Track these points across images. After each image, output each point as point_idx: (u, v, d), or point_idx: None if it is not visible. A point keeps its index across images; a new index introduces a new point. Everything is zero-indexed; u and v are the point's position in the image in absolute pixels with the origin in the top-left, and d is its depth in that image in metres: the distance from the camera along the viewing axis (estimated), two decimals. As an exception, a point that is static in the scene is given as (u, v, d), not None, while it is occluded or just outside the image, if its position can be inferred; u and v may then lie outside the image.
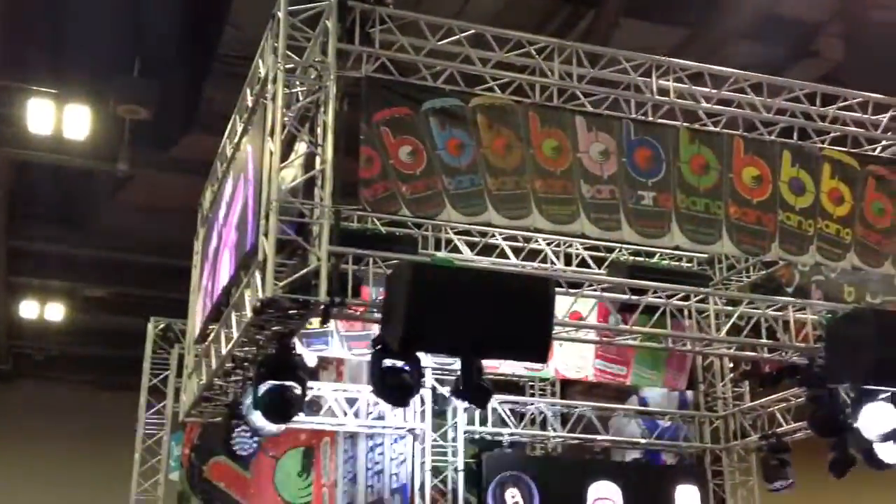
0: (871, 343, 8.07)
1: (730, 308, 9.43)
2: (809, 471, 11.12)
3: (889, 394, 8.40)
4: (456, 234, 10.77)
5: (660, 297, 8.92)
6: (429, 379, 10.99)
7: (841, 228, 8.54)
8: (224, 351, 7.97)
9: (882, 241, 8.61)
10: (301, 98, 7.41)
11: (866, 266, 8.62)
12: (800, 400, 10.61)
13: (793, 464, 11.22)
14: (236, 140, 8.78)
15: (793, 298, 9.38)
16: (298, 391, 7.48)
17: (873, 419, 8.50)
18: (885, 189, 8.75)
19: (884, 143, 9.25)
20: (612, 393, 13.43)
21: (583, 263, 11.26)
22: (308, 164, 7.18)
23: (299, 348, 8.68)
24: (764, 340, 9.14)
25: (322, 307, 6.91)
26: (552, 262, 11.06)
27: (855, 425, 8.62)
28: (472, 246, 10.87)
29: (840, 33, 11.20)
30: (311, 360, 10.29)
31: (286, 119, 7.14)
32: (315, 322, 8.84)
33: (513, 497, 11.63)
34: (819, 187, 8.58)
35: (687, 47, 10.65)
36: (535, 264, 10.86)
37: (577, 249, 11.24)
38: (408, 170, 7.58)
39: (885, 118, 9.13)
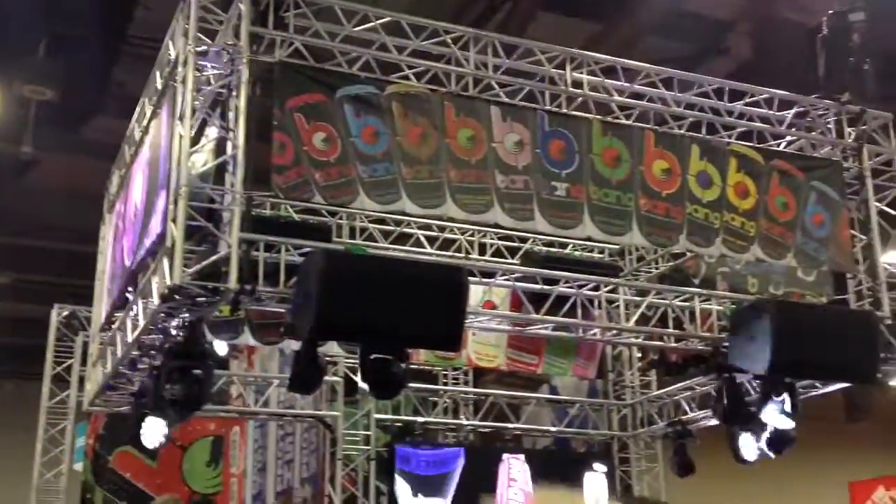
0: (772, 334, 8.29)
1: (638, 298, 9.60)
2: (714, 458, 11.41)
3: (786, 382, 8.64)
4: (370, 222, 10.74)
5: (571, 288, 9.03)
6: (341, 367, 10.96)
7: (746, 221, 8.74)
8: (130, 339, 7.80)
9: (785, 234, 8.85)
10: (212, 82, 7.28)
11: (769, 258, 8.85)
12: (705, 389, 10.86)
13: (697, 451, 11.48)
14: (145, 123, 8.58)
15: (699, 289, 9.58)
16: (206, 380, 7.36)
17: (773, 408, 8.75)
18: (788, 184, 8.99)
19: (788, 138, 9.52)
20: (524, 382, 13.57)
21: (497, 253, 11.36)
22: (219, 149, 7.07)
23: (208, 336, 8.56)
24: (671, 330, 9.33)
25: (232, 295, 6.81)
26: (466, 252, 11.12)
27: (758, 413, 8.86)
28: (386, 235, 10.86)
29: (749, 32, 11.47)
30: (221, 348, 10.13)
31: (196, 103, 7.01)
32: (225, 310, 8.73)
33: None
34: (725, 181, 8.77)
35: (601, 41, 10.77)
36: (450, 254, 10.90)
37: (491, 239, 11.33)
38: (322, 157, 7.50)
39: (789, 114, 9.39)
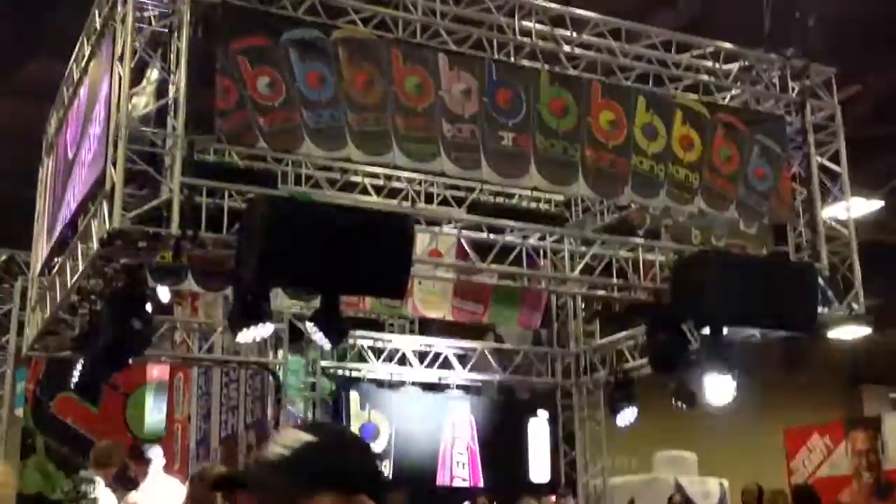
0: (714, 284, 8.43)
1: (583, 249, 9.69)
2: (653, 405, 11.63)
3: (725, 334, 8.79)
4: (317, 170, 10.61)
5: (517, 237, 9.07)
6: (286, 315, 10.91)
7: (690, 173, 8.82)
8: (69, 283, 7.69)
9: (727, 187, 8.95)
10: (153, 21, 7.11)
11: (712, 210, 8.96)
12: (646, 337, 11.01)
13: (638, 398, 11.67)
14: (84, 64, 8.37)
15: (643, 240, 9.68)
16: (146, 327, 7.29)
17: (712, 357, 8.91)
18: (732, 137, 9.07)
19: (733, 92, 9.59)
20: (470, 330, 13.64)
21: (444, 203, 11.30)
22: (160, 91, 6.94)
23: (151, 282, 8.47)
24: (615, 280, 9.44)
25: (174, 240, 6.73)
26: (413, 201, 11.07)
27: (697, 362, 9.02)
28: (332, 183, 10.75)
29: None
30: (164, 294, 10.04)
31: (136, 43, 6.85)
32: (168, 256, 8.63)
33: (368, 422, 11.72)
34: (671, 133, 8.81)
35: (550, -11, 10.69)
36: (396, 202, 10.85)
37: (438, 189, 11.28)
38: (266, 101, 7.39)
39: (735, 68, 9.44)
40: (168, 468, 11.32)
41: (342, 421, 11.50)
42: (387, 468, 11.63)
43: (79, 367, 8.05)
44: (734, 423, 15.30)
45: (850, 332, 14.59)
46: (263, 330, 7.45)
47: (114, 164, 6.57)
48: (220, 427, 11.86)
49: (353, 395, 11.81)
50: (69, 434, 11.14)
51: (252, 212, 7.02)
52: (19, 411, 11.82)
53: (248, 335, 7.42)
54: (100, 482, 6.96)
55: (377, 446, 11.66)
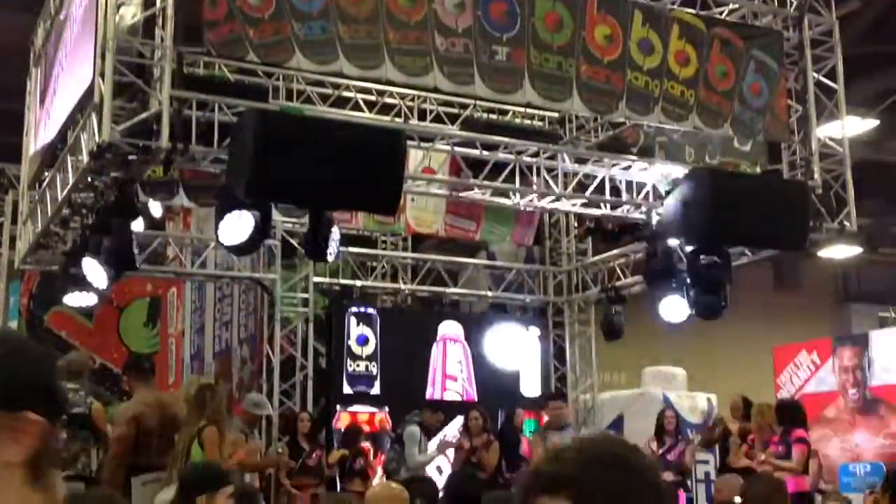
0: (707, 202, 8.42)
1: (577, 166, 9.65)
2: (644, 322, 11.73)
3: (718, 249, 8.83)
4: (308, 84, 10.52)
5: (510, 154, 9.03)
6: (278, 230, 10.92)
7: (685, 90, 8.73)
8: (60, 197, 7.65)
9: (722, 103, 8.87)
10: (140, -72, 6.94)
11: (707, 127, 8.90)
12: (638, 255, 11.06)
13: (629, 315, 11.78)
14: (71, -27, 8.20)
15: (637, 158, 9.64)
16: (136, 242, 7.29)
17: (703, 275, 8.96)
18: (728, 52, 8.95)
19: (730, 6, 9.44)
20: (462, 247, 13.68)
21: (437, 119, 11.24)
22: (148, 1, 6.80)
23: (142, 197, 8.45)
24: (608, 197, 9.43)
25: (164, 153, 6.68)
26: (406, 117, 11.00)
27: (688, 279, 9.07)
28: (324, 98, 10.66)
29: None
30: (155, 209, 10.02)
31: (123, -49, 6.70)
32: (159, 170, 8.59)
33: (360, 336, 11.83)
34: (667, 48, 8.70)
35: None
36: (389, 118, 10.78)
37: (431, 105, 11.20)
38: (255, 13, 7.27)
39: (733, -19, 9.29)
40: (163, 382, 11.48)
41: (338, 336, 11.59)
42: (375, 370, 11.75)
43: (72, 280, 8.06)
44: (723, 340, 15.48)
45: (840, 252, 14.65)
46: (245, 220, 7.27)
47: (102, 76, 6.49)
48: (214, 342, 11.95)
49: (346, 310, 11.89)
50: (64, 347, 11.22)
51: (243, 126, 6.95)
52: (13, 325, 11.89)
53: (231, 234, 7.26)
54: (83, 391, 7.03)
55: (367, 350, 11.75)
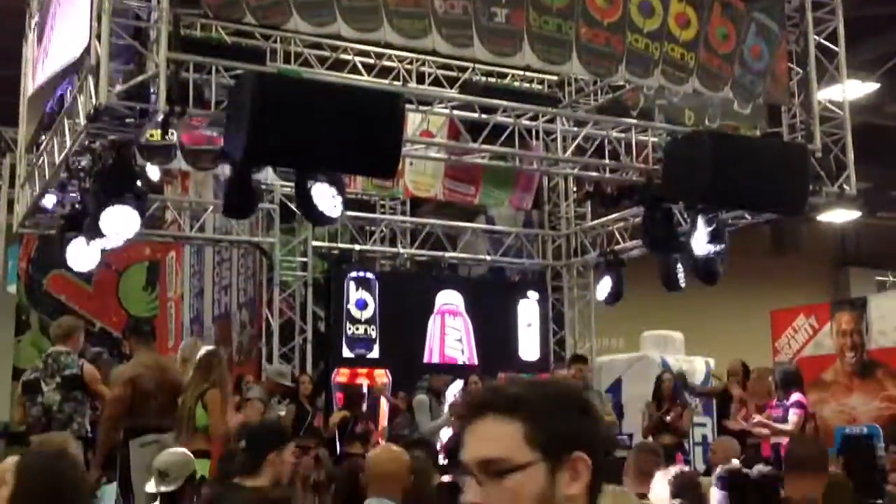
0: (706, 165, 8.40)
1: (576, 129, 9.62)
2: (643, 286, 11.76)
3: (715, 214, 8.82)
4: (306, 47, 10.45)
5: (509, 117, 8.99)
6: (277, 194, 10.90)
7: (685, 52, 8.68)
8: (58, 160, 7.63)
9: (723, 66, 8.82)
10: None
11: (707, 90, 8.85)
12: (637, 219, 11.04)
13: (627, 279, 11.78)
14: (66, -67, 8.11)
15: (636, 121, 9.60)
16: (137, 205, 7.26)
17: (703, 238, 8.96)
18: (729, 14, 8.88)
19: (733, -32, 9.35)
20: (461, 212, 13.67)
21: (436, 82, 11.17)
22: (144, -38, 6.74)
23: (140, 160, 8.42)
24: (607, 161, 9.40)
25: (161, 116, 6.65)
26: (404, 80, 10.93)
27: (687, 243, 9.07)
28: (322, 61, 10.59)
29: None
30: (153, 173, 9.99)
31: (118, -88, 6.62)
32: (157, 134, 8.56)
33: (359, 300, 11.83)
34: (667, 10, 8.62)
35: None
36: (387, 82, 10.71)
37: (429, 68, 11.13)
38: (253, -26, 7.19)
39: (735, -57, 9.19)
40: (162, 346, 11.51)
41: (337, 300, 11.60)
42: (374, 333, 11.78)
43: (71, 245, 8.04)
44: (722, 304, 15.52)
45: (839, 216, 14.65)
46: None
47: (98, 38, 6.43)
48: (214, 305, 11.97)
49: (345, 275, 11.89)
50: (63, 311, 11.23)
51: (240, 89, 6.92)
52: (12, 288, 11.89)
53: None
54: (74, 353, 7.03)
55: (366, 314, 11.75)
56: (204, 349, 7.30)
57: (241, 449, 4.78)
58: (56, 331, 7.34)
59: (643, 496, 4.81)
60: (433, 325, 12.24)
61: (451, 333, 12.32)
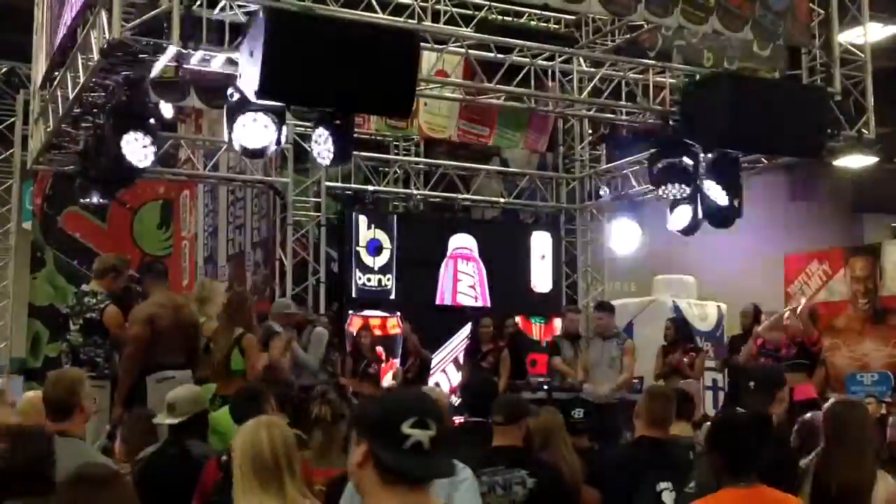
0: (724, 107, 8.31)
1: (592, 70, 9.50)
2: (656, 229, 11.71)
3: (731, 158, 8.74)
4: (320, -17, 10.29)
5: (525, 57, 8.89)
6: (290, 134, 10.84)
7: (705, -8, 8.52)
8: (71, 96, 7.59)
9: (743, 6, 8.64)
10: None
11: (727, 31, 8.69)
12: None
13: (641, 222, 11.74)
14: None
15: (654, 61, 9.48)
16: (150, 141, 7.24)
17: (719, 182, 8.88)
18: (751, -48, 8.71)
19: None
20: (475, 153, 13.61)
21: (451, 21, 11.01)
22: None
23: (153, 98, 8.37)
24: (623, 103, 9.30)
25: (174, 52, 6.59)
26: (419, 18, 10.78)
27: (704, 186, 8.99)
28: (336, -3, 10.44)
29: None
30: (167, 110, 9.93)
31: None
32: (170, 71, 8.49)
33: (372, 240, 11.87)
34: (688, -52, 8.46)
35: None
36: (402, 19, 10.57)
37: (445, 6, 10.96)
38: None
39: None
40: (177, 285, 11.55)
41: (348, 240, 11.62)
42: (390, 283, 11.85)
43: (84, 181, 8.03)
44: (735, 249, 15.45)
45: (856, 161, 14.52)
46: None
47: (111, -29, 6.36)
48: (228, 245, 11.99)
49: (359, 216, 11.90)
50: (78, 248, 11.25)
51: (254, 24, 6.83)
52: (27, 225, 11.92)
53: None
54: (101, 294, 7.06)
55: (379, 261, 11.82)
56: (233, 291, 7.33)
57: None
58: (94, 266, 7.39)
59: (654, 440, 4.83)
60: (445, 269, 12.26)
61: (463, 279, 12.34)
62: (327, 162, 7.57)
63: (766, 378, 5.47)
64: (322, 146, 7.43)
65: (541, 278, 12.75)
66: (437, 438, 2.22)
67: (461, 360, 10.98)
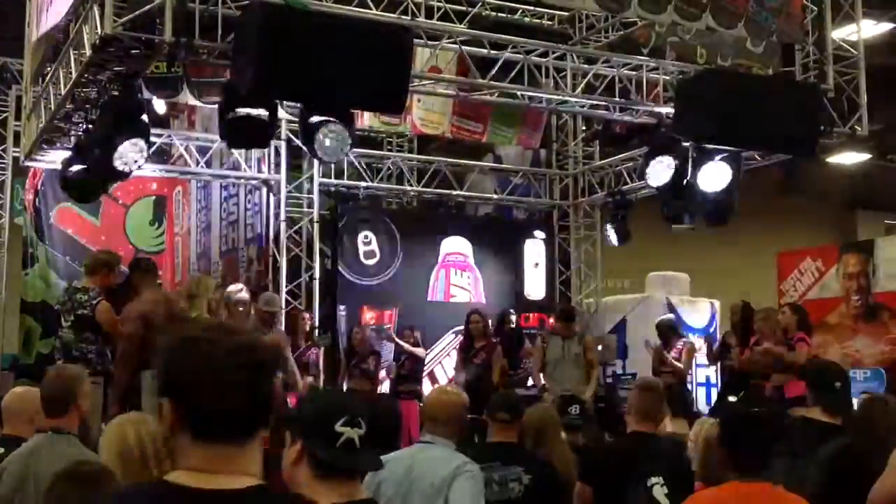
0: (718, 104, 8.31)
1: (586, 66, 9.50)
2: (650, 227, 11.73)
3: (728, 153, 8.74)
4: (313, -21, 10.27)
5: (518, 54, 8.88)
6: (284, 130, 10.82)
7: (699, -12, 8.52)
8: (63, 91, 7.56)
9: (737, 2, 8.64)
10: None
11: (720, 27, 8.70)
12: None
13: (634, 220, 11.75)
14: None
15: (647, 58, 9.48)
16: (143, 144, 7.22)
17: (711, 178, 8.88)
18: (744, -51, 8.71)
19: None
20: (468, 150, 13.59)
21: (444, 17, 11.00)
22: None
23: (146, 93, 8.35)
24: (617, 99, 9.30)
25: (167, 48, 6.57)
26: (413, 14, 10.77)
27: (695, 183, 8.99)
28: (330, -8, 10.42)
29: None
30: (160, 106, 9.92)
31: None
32: (163, 66, 8.48)
33: (365, 237, 11.89)
34: (682, -56, 8.46)
35: None
36: (395, 15, 10.56)
37: (438, 2, 10.95)
38: None
39: None
40: (170, 281, 11.51)
41: (340, 236, 11.61)
42: (384, 279, 11.86)
43: (76, 176, 7.99)
44: (728, 245, 15.50)
45: (850, 158, 14.54)
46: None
47: (103, -34, 6.33)
48: (221, 241, 11.96)
49: (353, 212, 11.90)
50: (71, 245, 11.21)
51: (248, 20, 6.82)
52: (20, 220, 11.87)
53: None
54: (93, 290, 7.03)
55: (373, 258, 11.83)
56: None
57: None
58: (85, 263, 7.36)
59: (645, 435, 4.82)
60: (436, 280, 12.27)
61: (457, 294, 12.34)
62: (335, 158, 7.54)
63: (846, 376, 5.20)
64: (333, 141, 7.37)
65: (534, 286, 12.79)
66: (365, 436, 2.45)
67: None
